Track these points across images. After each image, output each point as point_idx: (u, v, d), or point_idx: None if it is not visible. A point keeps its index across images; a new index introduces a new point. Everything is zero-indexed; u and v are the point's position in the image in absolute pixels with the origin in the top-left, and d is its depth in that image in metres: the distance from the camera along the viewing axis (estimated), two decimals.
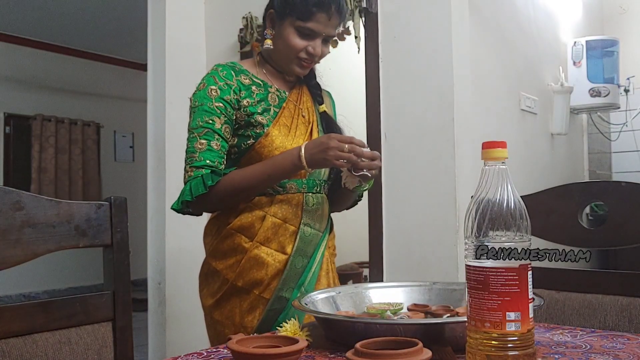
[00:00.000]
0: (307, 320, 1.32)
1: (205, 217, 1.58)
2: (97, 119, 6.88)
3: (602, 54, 3.59)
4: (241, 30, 2.79)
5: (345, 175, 1.43)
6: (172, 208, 1.43)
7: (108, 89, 6.95)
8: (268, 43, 1.50)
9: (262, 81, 1.52)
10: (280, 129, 1.48)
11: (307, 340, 0.94)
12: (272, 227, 1.44)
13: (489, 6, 2.76)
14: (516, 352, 0.77)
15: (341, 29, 1.53)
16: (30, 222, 1.01)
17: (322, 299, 1.18)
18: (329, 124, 1.59)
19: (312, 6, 1.41)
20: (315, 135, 1.54)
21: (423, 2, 2.23)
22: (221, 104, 1.43)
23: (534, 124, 3.20)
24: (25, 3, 5.35)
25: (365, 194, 1.74)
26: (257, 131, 1.45)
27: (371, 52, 2.34)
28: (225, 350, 0.97)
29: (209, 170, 1.38)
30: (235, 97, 1.45)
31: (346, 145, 1.31)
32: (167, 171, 2.80)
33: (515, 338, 0.77)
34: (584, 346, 0.94)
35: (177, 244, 2.69)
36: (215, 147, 1.41)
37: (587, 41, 3.57)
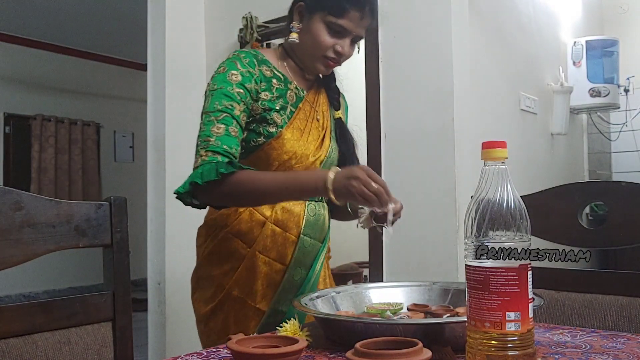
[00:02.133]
0: (307, 320, 1.32)
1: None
2: (97, 119, 6.88)
3: (602, 54, 3.59)
4: (241, 30, 2.79)
5: (361, 214, 1.28)
6: (176, 191, 1.27)
7: (108, 89, 6.95)
8: (294, 37, 1.40)
9: (283, 75, 1.43)
10: (294, 132, 1.39)
11: (307, 340, 0.94)
12: (271, 235, 1.38)
13: (489, 6, 2.76)
14: (516, 352, 0.77)
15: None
16: (30, 222, 1.00)
17: (322, 299, 1.18)
18: (342, 132, 1.51)
19: (347, 3, 1.34)
20: (327, 142, 1.46)
21: (423, 2, 2.23)
22: (242, 90, 1.33)
23: (534, 124, 3.20)
24: (25, 3, 5.35)
25: None
26: (270, 130, 1.36)
27: (371, 52, 2.34)
28: (225, 350, 0.97)
29: (226, 159, 1.26)
30: (256, 87, 1.36)
31: (374, 184, 1.14)
32: (167, 171, 2.80)
33: (515, 338, 0.77)
34: (584, 346, 0.94)
35: (177, 244, 2.69)
36: (233, 133, 1.29)
37: (587, 41, 3.57)
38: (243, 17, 2.74)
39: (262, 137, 1.36)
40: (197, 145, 1.29)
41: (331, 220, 1.56)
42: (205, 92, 1.36)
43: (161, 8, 2.85)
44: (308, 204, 1.43)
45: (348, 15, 1.34)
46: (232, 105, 1.30)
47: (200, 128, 1.31)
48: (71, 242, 1.06)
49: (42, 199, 1.03)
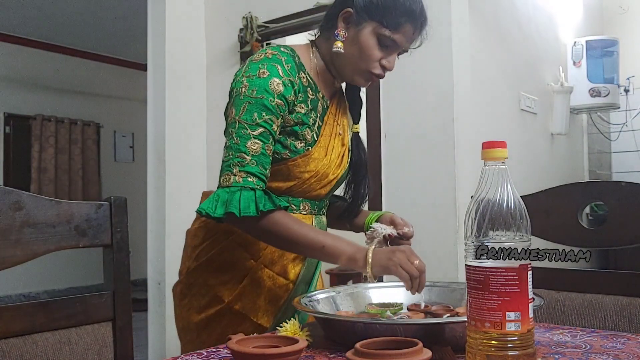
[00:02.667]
0: (307, 320, 1.32)
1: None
2: (97, 119, 6.89)
3: (602, 54, 3.59)
4: (241, 30, 2.80)
5: (372, 234, 1.29)
6: (202, 211, 1.19)
7: (108, 89, 6.95)
8: (338, 46, 1.27)
9: (314, 84, 1.32)
10: (320, 151, 1.30)
11: (307, 340, 0.94)
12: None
13: (489, 6, 2.76)
14: (516, 352, 0.77)
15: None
16: (30, 222, 1.00)
17: (322, 299, 1.18)
18: (358, 148, 1.42)
19: (403, 15, 1.25)
20: (346, 160, 1.37)
21: (423, 2, 2.23)
22: (282, 103, 1.22)
23: (534, 124, 3.20)
24: (25, 3, 5.35)
25: None
26: (298, 147, 1.27)
27: None
28: (225, 350, 0.97)
29: (261, 183, 1.19)
30: (294, 98, 1.25)
31: (417, 260, 1.13)
32: (167, 171, 2.80)
33: (515, 338, 0.77)
34: (584, 346, 0.94)
35: (177, 244, 2.69)
36: (268, 152, 1.21)
37: (587, 41, 3.57)
38: (243, 17, 2.75)
39: (287, 151, 1.26)
40: (229, 158, 1.20)
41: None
42: (239, 90, 1.23)
43: (161, 8, 2.85)
44: (315, 217, 1.36)
45: (403, 29, 1.26)
46: (271, 120, 1.21)
47: (231, 137, 1.21)
48: (71, 242, 1.06)
49: (42, 199, 1.03)
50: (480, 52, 2.60)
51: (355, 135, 1.43)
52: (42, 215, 1.02)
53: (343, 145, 1.37)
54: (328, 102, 1.36)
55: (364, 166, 1.43)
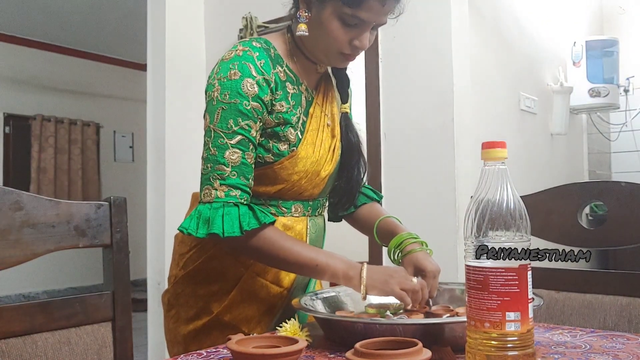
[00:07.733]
0: (307, 320, 1.31)
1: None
2: (97, 119, 6.89)
3: (601, 54, 3.59)
4: (241, 30, 2.80)
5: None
6: (185, 230, 1.11)
7: (108, 89, 6.96)
8: (302, 29, 1.15)
9: (295, 76, 1.21)
10: (307, 149, 1.20)
11: (307, 340, 0.94)
12: None
13: (489, 6, 2.76)
14: (516, 352, 0.77)
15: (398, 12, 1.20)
16: (30, 222, 1.00)
17: (322, 299, 1.18)
18: (348, 130, 1.30)
19: None
20: (337, 153, 1.27)
21: (423, 2, 2.23)
22: (258, 105, 1.12)
23: (534, 124, 3.20)
24: (25, 3, 5.35)
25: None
26: (282, 148, 1.17)
27: (371, 52, 2.34)
28: (225, 350, 0.97)
29: (245, 202, 1.11)
30: (271, 97, 1.15)
31: (413, 280, 1.11)
32: (167, 171, 2.80)
33: (515, 338, 0.77)
34: (583, 346, 0.94)
35: None
36: (249, 160, 1.12)
37: (586, 41, 3.58)
38: (243, 17, 2.75)
39: (270, 155, 1.17)
40: (207, 170, 1.12)
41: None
42: (211, 95, 1.14)
43: (161, 8, 2.85)
44: (310, 219, 1.27)
45: (366, 4, 1.11)
46: (248, 126, 1.12)
47: (208, 147, 1.12)
48: (71, 242, 1.06)
49: (42, 199, 1.03)
50: (480, 52, 2.60)
51: (345, 116, 1.31)
52: (42, 215, 1.02)
53: (333, 136, 1.27)
54: (313, 92, 1.26)
55: (356, 150, 1.31)
